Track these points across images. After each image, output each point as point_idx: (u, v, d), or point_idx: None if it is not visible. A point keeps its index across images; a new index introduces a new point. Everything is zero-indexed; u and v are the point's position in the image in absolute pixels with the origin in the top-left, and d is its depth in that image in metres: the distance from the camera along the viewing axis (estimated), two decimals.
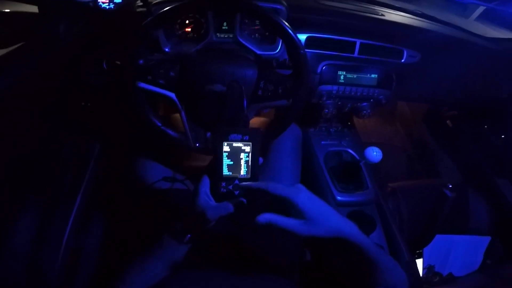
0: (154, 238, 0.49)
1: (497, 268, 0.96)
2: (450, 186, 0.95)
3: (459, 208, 1.04)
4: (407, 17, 1.00)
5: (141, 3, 0.76)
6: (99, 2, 0.74)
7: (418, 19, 1.00)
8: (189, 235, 0.47)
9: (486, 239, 0.99)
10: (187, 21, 0.75)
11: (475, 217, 1.07)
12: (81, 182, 0.82)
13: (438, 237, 0.95)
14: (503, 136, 1.07)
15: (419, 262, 0.91)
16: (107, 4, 0.75)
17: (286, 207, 0.41)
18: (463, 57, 0.91)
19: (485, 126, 1.14)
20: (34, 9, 0.73)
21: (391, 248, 0.80)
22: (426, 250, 0.93)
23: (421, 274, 0.89)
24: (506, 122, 1.06)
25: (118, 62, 0.76)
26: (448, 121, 1.33)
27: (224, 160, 0.44)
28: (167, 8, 0.54)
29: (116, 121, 0.99)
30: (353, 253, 0.40)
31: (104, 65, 0.76)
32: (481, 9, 1.82)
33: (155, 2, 0.72)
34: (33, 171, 0.76)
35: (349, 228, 0.40)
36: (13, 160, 0.69)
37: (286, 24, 0.55)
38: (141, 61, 0.59)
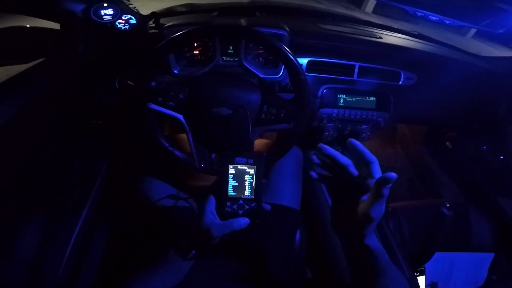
0: (159, 253, 0.51)
1: (503, 283, 0.95)
2: (448, 205, 0.96)
3: (459, 226, 1.04)
4: (404, 38, 1.03)
5: (153, 25, 0.80)
6: (116, 23, 0.77)
7: (414, 40, 1.03)
8: (193, 252, 0.49)
9: (490, 256, 0.98)
10: (195, 44, 0.79)
11: (477, 234, 1.07)
12: (87, 196, 0.84)
13: (440, 255, 0.94)
14: (501, 157, 1.08)
15: (422, 279, 0.90)
16: (123, 24, 0.78)
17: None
18: (459, 77, 0.92)
19: (484, 147, 1.15)
20: (54, 25, 0.76)
21: None
22: (429, 267, 0.92)
23: None
24: (504, 143, 1.07)
25: (130, 83, 0.79)
26: (447, 143, 1.34)
27: (229, 181, 0.47)
28: (180, 33, 0.56)
29: (125, 139, 1.01)
30: (369, 259, 0.40)
31: (117, 85, 0.79)
32: None
33: (167, 25, 0.76)
34: (42, 184, 0.78)
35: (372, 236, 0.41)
36: (24, 171, 0.70)
37: (288, 50, 0.57)
38: (153, 83, 0.62)
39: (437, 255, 0.94)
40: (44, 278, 0.70)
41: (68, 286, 0.73)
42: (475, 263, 0.97)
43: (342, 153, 0.40)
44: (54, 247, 0.74)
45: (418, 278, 0.88)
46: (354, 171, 0.41)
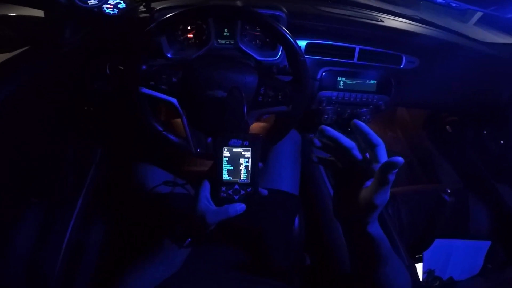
0: (155, 241, 0.50)
1: (498, 272, 0.95)
2: (449, 191, 0.95)
3: (458, 213, 1.03)
4: (406, 22, 1.01)
5: (144, 9, 0.77)
6: (103, 8, 0.74)
7: (416, 25, 1.01)
8: (189, 239, 0.48)
9: (487, 244, 0.99)
10: (189, 27, 0.76)
11: (475, 222, 1.07)
12: (82, 186, 0.83)
13: (438, 242, 0.95)
14: (502, 142, 1.07)
15: (419, 267, 0.91)
16: (111, 9, 0.75)
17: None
18: (462, 62, 0.91)
19: (484, 132, 1.14)
20: (39, 13, 0.73)
21: None
22: (426, 254, 0.93)
23: (421, 279, 0.89)
24: (505, 128, 1.06)
25: (121, 67, 0.77)
26: (447, 127, 1.33)
27: (224, 165, 0.45)
28: (170, 14, 0.55)
29: (118, 125, 0.99)
30: (371, 247, 0.39)
31: (107, 70, 0.77)
32: (480, 13, 1.80)
33: (158, 8, 0.73)
34: (36, 174, 0.77)
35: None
36: (17, 163, 0.69)
37: (286, 31, 0.56)
38: (144, 67, 0.60)
39: (435, 242, 0.94)
40: (40, 269, 0.70)
41: (65, 277, 0.73)
42: (472, 251, 0.97)
43: None
44: (50, 238, 0.73)
45: (416, 265, 0.89)
46: (358, 154, 0.38)
